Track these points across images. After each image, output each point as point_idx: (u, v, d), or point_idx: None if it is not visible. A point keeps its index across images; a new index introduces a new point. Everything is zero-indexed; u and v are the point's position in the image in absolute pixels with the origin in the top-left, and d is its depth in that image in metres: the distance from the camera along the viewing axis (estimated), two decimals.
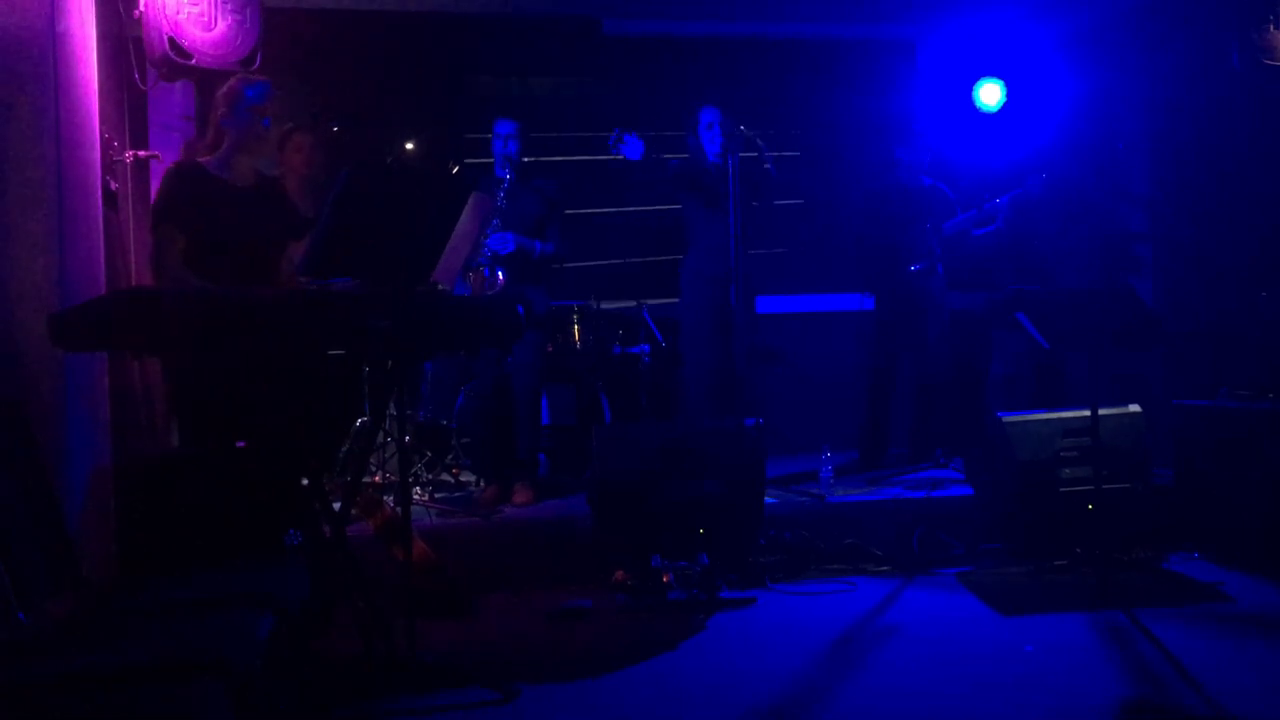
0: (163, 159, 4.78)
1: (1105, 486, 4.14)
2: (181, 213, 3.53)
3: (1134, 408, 4.43)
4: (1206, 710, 2.89)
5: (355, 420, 5.20)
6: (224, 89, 3.67)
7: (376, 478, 5.25)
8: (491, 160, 5.33)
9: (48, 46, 3.44)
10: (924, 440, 5.80)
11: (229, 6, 4.52)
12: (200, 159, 3.68)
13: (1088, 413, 4.13)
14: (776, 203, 6.16)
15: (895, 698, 3.04)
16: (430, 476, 5.54)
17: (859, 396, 5.92)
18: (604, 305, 6.25)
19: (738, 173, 4.94)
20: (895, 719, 2.91)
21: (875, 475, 5.47)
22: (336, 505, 3.27)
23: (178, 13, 4.40)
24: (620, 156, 5.06)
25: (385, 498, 4.60)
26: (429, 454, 5.65)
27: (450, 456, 5.70)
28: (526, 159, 5.36)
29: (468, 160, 6.78)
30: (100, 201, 3.73)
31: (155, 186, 4.90)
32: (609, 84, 7.35)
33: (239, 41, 4.52)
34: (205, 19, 4.47)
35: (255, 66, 4.54)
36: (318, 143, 5.16)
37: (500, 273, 5.08)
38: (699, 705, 3.03)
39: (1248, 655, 3.37)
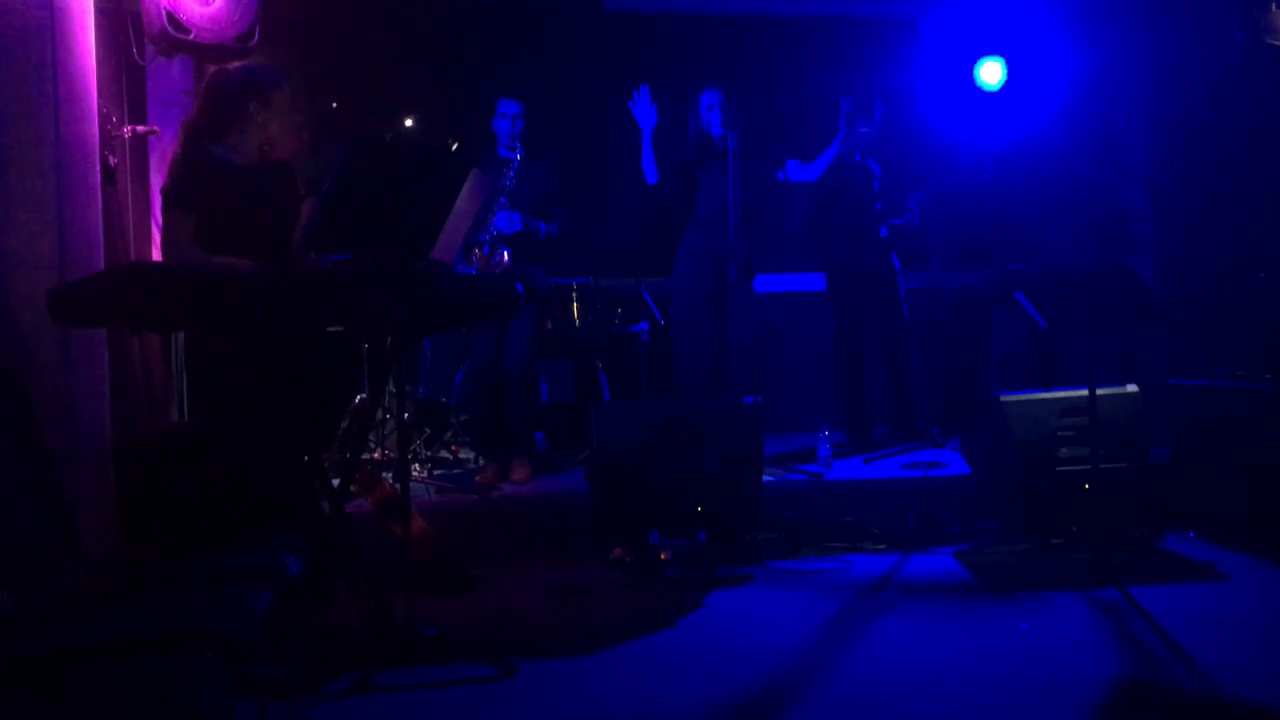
0: (161, 134, 4.76)
1: (1102, 466, 4.15)
2: (189, 196, 3.53)
3: (1132, 387, 4.44)
4: (1200, 687, 2.91)
5: (354, 397, 5.22)
6: (211, 74, 3.66)
7: (375, 454, 5.27)
8: (494, 137, 5.32)
9: (46, 21, 3.43)
10: (905, 416, 5.81)
11: None
12: (204, 142, 3.68)
13: (1085, 392, 4.14)
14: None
15: (891, 673, 3.06)
16: (429, 453, 5.56)
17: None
18: (603, 283, 6.24)
19: (738, 152, 4.96)
20: (890, 694, 2.92)
21: (872, 454, 5.47)
22: (335, 481, 3.28)
23: None
24: (633, 115, 5.26)
25: (384, 474, 4.62)
26: (428, 431, 5.66)
27: (449, 434, 5.72)
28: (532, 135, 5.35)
29: (466, 136, 6.76)
30: (99, 176, 3.72)
31: (154, 161, 4.90)
32: (609, 61, 7.31)
33: (237, 16, 4.50)
34: None
35: (254, 42, 4.52)
36: (315, 120, 5.14)
37: (505, 252, 5.06)
38: (696, 680, 3.04)
39: (1241, 633, 3.38)
